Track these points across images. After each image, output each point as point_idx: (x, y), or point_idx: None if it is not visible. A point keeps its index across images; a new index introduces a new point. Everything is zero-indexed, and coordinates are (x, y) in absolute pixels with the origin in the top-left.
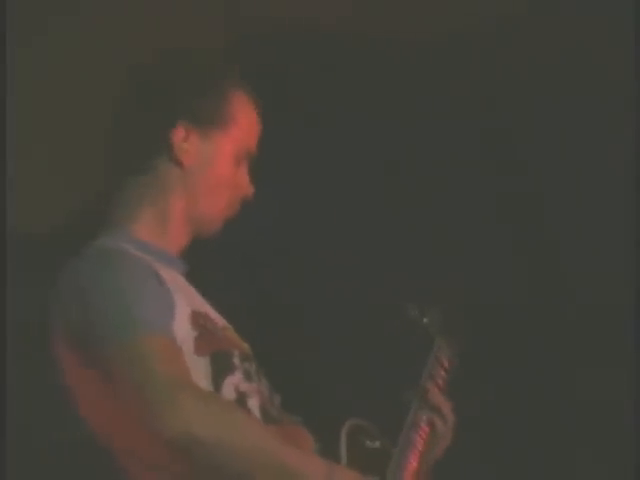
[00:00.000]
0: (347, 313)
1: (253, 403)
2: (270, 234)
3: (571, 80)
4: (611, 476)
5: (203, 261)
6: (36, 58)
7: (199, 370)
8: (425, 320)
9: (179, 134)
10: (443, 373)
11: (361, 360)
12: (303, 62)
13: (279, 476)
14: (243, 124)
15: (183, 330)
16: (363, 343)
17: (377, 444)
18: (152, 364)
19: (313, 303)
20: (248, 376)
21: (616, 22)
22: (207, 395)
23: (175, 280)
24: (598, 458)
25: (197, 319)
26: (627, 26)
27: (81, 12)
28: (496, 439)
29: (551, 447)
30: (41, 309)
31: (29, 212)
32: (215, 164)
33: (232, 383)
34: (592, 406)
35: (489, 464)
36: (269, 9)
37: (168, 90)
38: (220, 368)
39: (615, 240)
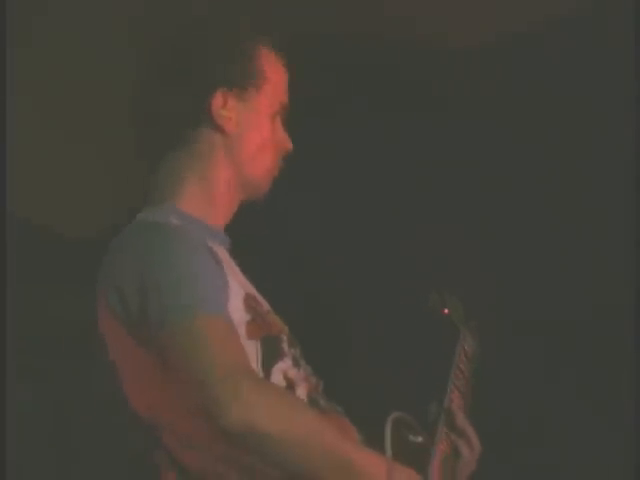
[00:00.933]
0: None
1: (301, 391)
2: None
3: (571, 80)
4: (611, 476)
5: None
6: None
7: (249, 354)
8: (447, 310)
9: (217, 101)
10: (468, 363)
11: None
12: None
13: (339, 469)
14: (274, 79)
15: (237, 313)
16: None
17: (420, 439)
18: (211, 345)
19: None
20: (296, 362)
21: (616, 22)
22: (268, 384)
23: (225, 258)
24: (598, 458)
25: (249, 302)
26: (627, 26)
27: (81, 11)
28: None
29: (550, 447)
30: (41, 306)
31: (29, 210)
32: (256, 126)
33: (281, 369)
34: (592, 406)
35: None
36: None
37: (200, 59)
38: (270, 353)
39: (615, 240)
